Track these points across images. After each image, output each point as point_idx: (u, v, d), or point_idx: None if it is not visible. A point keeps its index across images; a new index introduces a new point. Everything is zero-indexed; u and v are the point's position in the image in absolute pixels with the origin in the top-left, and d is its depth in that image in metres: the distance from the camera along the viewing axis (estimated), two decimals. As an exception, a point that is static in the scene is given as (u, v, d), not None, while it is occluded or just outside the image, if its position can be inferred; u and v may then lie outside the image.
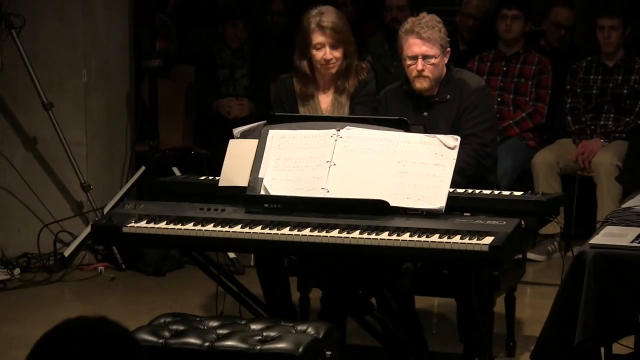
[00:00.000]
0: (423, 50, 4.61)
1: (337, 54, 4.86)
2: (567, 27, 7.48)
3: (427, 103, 4.72)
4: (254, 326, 3.68)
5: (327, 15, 4.86)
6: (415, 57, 4.63)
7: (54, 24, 6.50)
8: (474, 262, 3.84)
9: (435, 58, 4.62)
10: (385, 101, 4.83)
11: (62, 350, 2.01)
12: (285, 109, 4.93)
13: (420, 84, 4.66)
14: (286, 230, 3.88)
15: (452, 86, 4.71)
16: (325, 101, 4.96)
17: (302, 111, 4.95)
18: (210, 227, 3.96)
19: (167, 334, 3.63)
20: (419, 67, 4.62)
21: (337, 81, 4.92)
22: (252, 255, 6.30)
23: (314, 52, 4.86)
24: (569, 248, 4.86)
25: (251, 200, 4.06)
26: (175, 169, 6.47)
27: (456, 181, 4.30)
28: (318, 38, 4.83)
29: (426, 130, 4.25)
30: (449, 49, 4.69)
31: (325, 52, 4.84)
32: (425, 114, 4.71)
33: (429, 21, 4.63)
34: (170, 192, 4.51)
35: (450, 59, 4.75)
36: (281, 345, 3.50)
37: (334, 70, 4.89)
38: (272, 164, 4.11)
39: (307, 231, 3.86)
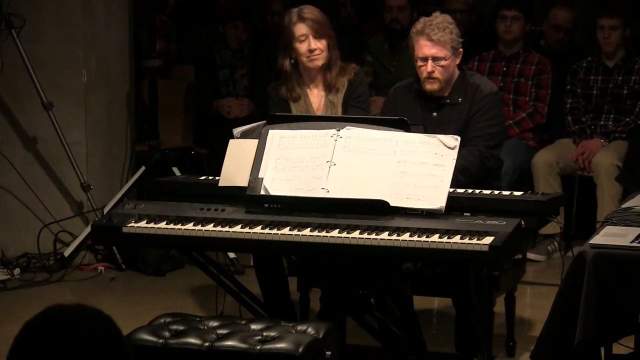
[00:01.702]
0: (433, 52, 4.59)
1: (321, 44, 4.88)
2: (566, 29, 7.48)
3: (437, 104, 4.71)
4: (254, 326, 3.68)
5: (307, 8, 4.93)
6: (425, 59, 4.61)
7: (54, 24, 6.50)
8: (474, 262, 3.83)
9: (446, 60, 4.60)
10: (395, 98, 4.81)
11: (43, 338, 2.03)
12: (281, 111, 4.93)
13: (430, 86, 4.65)
14: (286, 230, 3.88)
15: (465, 90, 4.69)
16: (315, 100, 4.97)
17: (294, 111, 4.95)
18: (210, 227, 3.96)
19: (167, 334, 3.63)
20: (429, 68, 4.61)
21: (324, 77, 4.93)
22: (252, 255, 6.32)
23: (298, 45, 4.88)
24: (569, 248, 4.86)
25: (251, 200, 4.06)
26: (175, 169, 6.47)
27: (459, 181, 4.31)
28: (301, 30, 4.87)
29: (426, 131, 4.25)
30: (461, 49, 4.67)
31: (310, 43, 4.86)
32: (435, 114, 4.70)
33: (440, 23, 4.61)
34: (170, 192, 4.51)
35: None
36: (281, 345, 3.50)
37: (319, 63, 4.89)
38: (272, 164, 4.11)
39: (307, 231, 3.86)
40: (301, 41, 4.88)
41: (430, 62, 4.60)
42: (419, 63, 4.64)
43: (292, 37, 4.88)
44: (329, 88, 4.95)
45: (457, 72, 4.72)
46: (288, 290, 4.78)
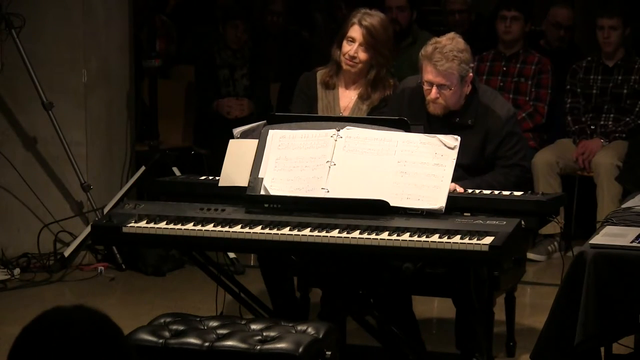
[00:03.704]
0: (438, 80, 4.46)
1: (363, 56, 4.84)
2: (566, 27, 7.48)
3: (445, 121, 4.55)
4: (254, 326, 3.69)
5: (372, 17, 4.86)
6: (430, 84, 4.50)
7: (54, 24, 6.50)
8: (474, 262, 3.84)
9: (451, 89, 4.47)
10: (403, 102, 4.69)
11: (42, 341, 2.02)
12: (305, 101, 4.94)
13: (434, 109, 4.52)
14: (286, 230, 3.88)
15: (477, 112, 4.56)
16: (344, 100, 4.95)
17: (321, 98, 4.94)
18: (210, 227, 3.96)
19: (167, 334, 3.63)
20: (433, 95, 4.48)
21: (362, 89, 4.90)
22: (252, 255, 6.32)
23: (344, 43, 4.88)
24: (569, 248, 4.86)
25: (251, 200, 4.06)
26: (175, 169, 6.47)
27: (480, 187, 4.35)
28: (353, 32, 4.85)
29: (427, 130, 4.23)
30: (470, 74, 4.52)
31: (353, 48, 4.84)
32: (441, 131, 4.61)
33: (448, 52, 4.44)
34: (170, 192, 4.51)
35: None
36: (281, 345, 3.50)
37: (352, 70, 4.87)
38: (272, 164, 4.11)
39: (307, 231, 3.86)
40: (348, 41, 4.87)
41: (434, 88, 4.48)
42: (425, 86, 4.51)
43: (344, 34, 4.88)
44: (363, 97, 4.92)
45: (463, 96, 4.55)
46: (294, 287, 4.78)
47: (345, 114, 4.91)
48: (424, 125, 4.50)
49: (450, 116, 4.57)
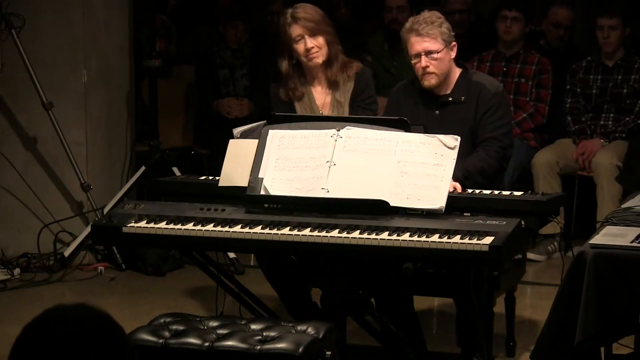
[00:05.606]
0: (424, 46, 4.59)
1: (317, 42, 4.85)
2: (566, 27, 7.49)
3: (439, 102, 4.69)
4: (254, 326, 3.69)
5: (300, 8, 4.89)
6: (418, 55, 4.61)
7: (54, 24, 6.50)
8: (474, 262, 3.83)
9: (438, 53, 4.59)
10: (397, 98, 4.79)
11: (44, 339, 2.02)
12: (285, 110, 4.92)
13: (428, 82, 4.64)
14: (286, 230, 3.88)
15: (468, 88, 4.67)
16: (319, 97, 4.95)
17: (299, 109, 4.94)
18: (210, 227, 3.96)
19: (167, 334, 3.63)
20: (423, 63, 4.59)
21: (325, 73, 4.91)
22: (252, 255, 6.32)
23: (295, 46, 4.86)
24: (569, 248, 4.86)
25: (251, 200, 4.06)
26: (175, 169, 6.47)
27: (478, 182, 4.32)
28: (296, 30, 4.84)
29: (429, 129, 4.24)
30: (454, 43, 4.66)
31: (305, 42, 4.83)
32: (437, 112, 4.69)
33: (427, 17, 4.62)
34: (170, 192, 4.50)
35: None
36: (281, 345, 3.50)
37: (319, 60, 4.86)
38: (272, 164, 4.11)
39: (307, 231, 3.86)
40: (297, 42, 4.85)
41: (423, 57, 4.59)
42: (414, 61, 4.64)
43: (289, 39, 4.87)
44: (332, 85, 4.92)
45: (457, 70, 4.70)
46: (310, 294, 4.75)
47: (324, 111, 4.90)
48: (422, 106, 4.64)
49: (444, 95, 4.68)
